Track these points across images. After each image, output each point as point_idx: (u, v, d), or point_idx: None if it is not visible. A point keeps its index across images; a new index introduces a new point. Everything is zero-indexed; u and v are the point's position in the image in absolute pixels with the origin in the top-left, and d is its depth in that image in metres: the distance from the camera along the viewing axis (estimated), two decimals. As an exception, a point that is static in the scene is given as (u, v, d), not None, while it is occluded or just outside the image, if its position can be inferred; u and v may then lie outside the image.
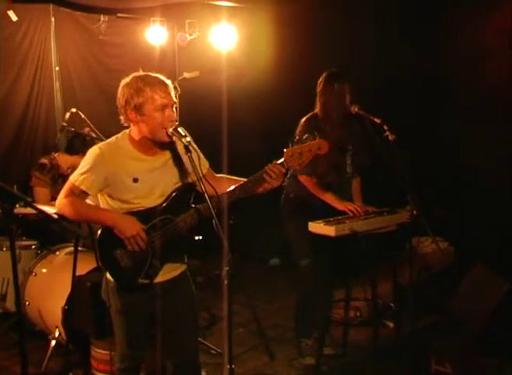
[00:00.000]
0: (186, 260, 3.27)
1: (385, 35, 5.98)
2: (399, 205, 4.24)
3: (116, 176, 3.03)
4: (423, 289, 5.03)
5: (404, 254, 4.65)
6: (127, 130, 3.14)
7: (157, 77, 3.06)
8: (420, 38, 5.83)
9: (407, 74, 5.90)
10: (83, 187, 3.03)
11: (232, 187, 3.09)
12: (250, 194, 3.11)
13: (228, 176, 3.32)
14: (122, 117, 3.10)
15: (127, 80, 3.07)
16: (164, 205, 3.09)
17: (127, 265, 3.04)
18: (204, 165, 3.22)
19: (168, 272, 3.17)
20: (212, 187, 3.02)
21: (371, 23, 6.15)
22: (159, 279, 3.13)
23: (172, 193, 3.12)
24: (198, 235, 3.16)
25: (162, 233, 3.06)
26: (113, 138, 3.14)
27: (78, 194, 3.05)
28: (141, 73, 3.09)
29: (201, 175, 2.97)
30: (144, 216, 3.05)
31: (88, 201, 3.14)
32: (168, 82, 3.07)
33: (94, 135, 5.11)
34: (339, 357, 4.53)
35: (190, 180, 3.17)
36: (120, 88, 3.07)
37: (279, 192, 4.43)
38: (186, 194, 3.16)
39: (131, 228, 2.99)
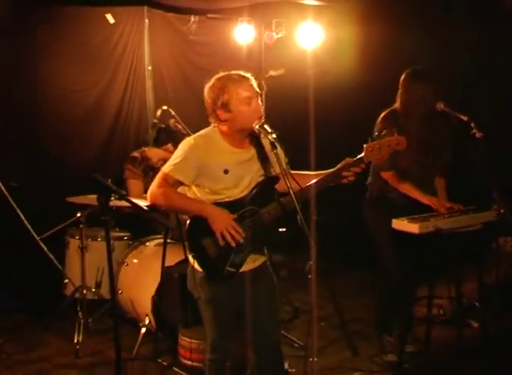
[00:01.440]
0: (265, 252, 3.27)
1: (473, 34, 5.81)
2: (485, 203, 4.11)
3: (208, 167, 3.07)
4: (509, 288, 4.85)
5: (490, 253, 4.49)
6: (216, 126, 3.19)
7: (237, 73, 3.11)
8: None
9: (494, 74, 5.72)
10: (177, 177, 3.07)
11: (314, 181, 3.10)
12: (329, 187, 3.12)
13: (301, 172, 3.30)
14: (211, 119, 3.15)
15: (209, 83, 3.13)
16: (250, 196, 3.13)
17: (214, 254, 3.08)
18: (284, 160, 3.21)
19: (252, 261, 3.19)
20: (296, 181, 3.04)
21: (460, 21, 5.97)
22: (244, 268, 3.15)
23: (257, 185, 3.15)
24: (282, 227, 3.18)
25: (248, 224, 3.09)
26: (204, 131, 3.19)
27: (172, 184, 3.10)
28: (221, 73, 3.14)
29: (286, 171, 2.98)
30: (231, 206, 3.09)
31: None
32: (248, 75, 3.11)
33: (179, 127, 5.19)
34: (421, 355, 4.43)
35: (273, 173, 3.19)
36: (205, 92, 3.13)
37: (359, 189, 4.40)
38: (270, 186, 3.19)
39: (223, 220, 3.03)
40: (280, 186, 3.19)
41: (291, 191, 2.90)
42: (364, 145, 3.10)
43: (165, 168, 3.12)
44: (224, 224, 3.02)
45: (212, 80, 3.12)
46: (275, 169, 3.15)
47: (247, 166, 3.15)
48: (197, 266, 3.14)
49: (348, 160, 3.11)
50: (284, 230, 3.19)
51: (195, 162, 3.07)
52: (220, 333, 3.21)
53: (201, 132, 3.19)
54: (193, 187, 3.16)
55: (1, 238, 5.24)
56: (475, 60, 5.91)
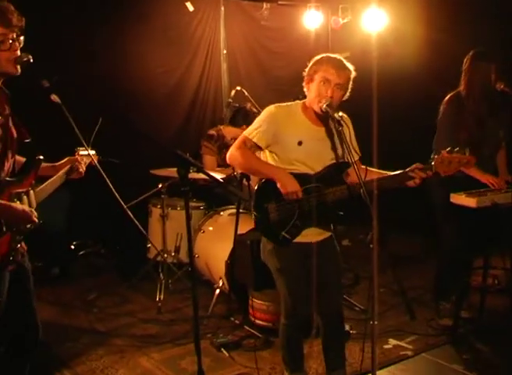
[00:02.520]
0: (331, 228, 3.25)
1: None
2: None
3: (283, 135, 3.09)
4: None
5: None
6: (301, 101, 3.20)
7: (339, 60, 3.10)
8: None
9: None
10: (254, 140, 3.11)
11: (378, 177, 3.08)
12: (392, 187, 3.09)
13: (372, 169, 3.23)
14: None
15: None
16: (319, 174, 3.11)
17: (275, 218, 3.09)
18: (354, 155, 3.07)
19: (318, 234, 3.18)
20: (366, 171, 3.09)
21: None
22: (310, 239, 3.14)
23: (328, 165, 3.13)
24: (341, 210, 3.13)
25: (311, 199, 3.08)
26: (288, 103, 3.21)
27: (249, 147, 3.13)
28: (331, 54, 3.15)
29: (352, 148, 2.96)
30: (299, 179, 3.07)
31: None
32: (349, 66, 3.08)
33: (255, 110, 5.20)
34: (475, 321, 4.34)
35: (346, 160, 3.14)
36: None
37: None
38: (340, 170, 3.17)
39: (292, 185, 3.03)
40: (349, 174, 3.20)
41: (354, 166, 2.88)
42: (435, 156, 3.09)
43: (246, 131, 3.18)
44: (291, 187, 3.02)
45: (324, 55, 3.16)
46: (349, 158, 3.08)
47: (321, 144, 3.13)
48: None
49: (417, 165, 3.09)
50: (342, 213, 3.14)
51: (273, 128, 3.09)
52: (293, 302, 3.16)
53: (285, 103, 3.21)
54: (267, 153, 3.17)
55: (93, 206, 5.41)
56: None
